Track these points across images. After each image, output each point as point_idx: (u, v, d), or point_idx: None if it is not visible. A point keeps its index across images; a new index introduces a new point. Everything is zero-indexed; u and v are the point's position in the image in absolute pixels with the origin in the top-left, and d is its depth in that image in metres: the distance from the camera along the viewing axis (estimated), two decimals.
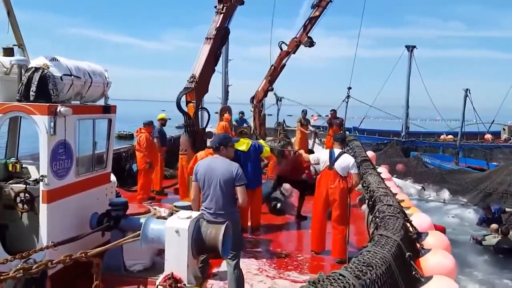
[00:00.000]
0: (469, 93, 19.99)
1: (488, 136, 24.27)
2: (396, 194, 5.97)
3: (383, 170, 9.81)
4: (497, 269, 8.86)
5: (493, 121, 24.52)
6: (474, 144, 22.70)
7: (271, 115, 16.97)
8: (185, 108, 7.31)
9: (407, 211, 5.15)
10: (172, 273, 3.01)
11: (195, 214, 3.25)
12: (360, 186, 7.77)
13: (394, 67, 24.97)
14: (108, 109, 5.16)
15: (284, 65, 12.80)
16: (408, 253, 3.17)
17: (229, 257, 4.00)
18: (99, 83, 4.92)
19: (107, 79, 5.11)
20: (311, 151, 8.97)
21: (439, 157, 21.00)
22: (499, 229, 9.96)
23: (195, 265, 3.26)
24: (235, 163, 4.26)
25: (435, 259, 3.56)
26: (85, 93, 4.72)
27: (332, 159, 5.67)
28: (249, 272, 4.95)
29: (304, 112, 15.10)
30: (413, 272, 3.17)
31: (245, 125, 14.82)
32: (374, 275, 2.56)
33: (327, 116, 14.66)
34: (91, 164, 5.02)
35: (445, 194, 15.93)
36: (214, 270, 5.02)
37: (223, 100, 15.61)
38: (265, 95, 13.51)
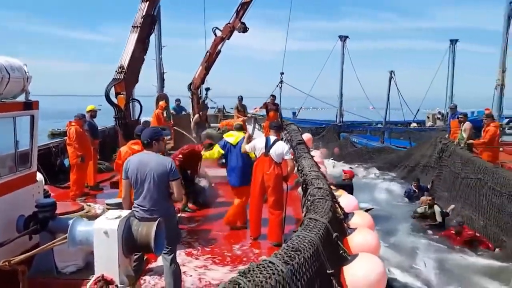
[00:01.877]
0: (394, 74, 21.24)
1: (414, 124, 26.01)
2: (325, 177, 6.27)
3: (316, 153, 10.18)
4: (422, 238, 9.58)
5: (418, 109, 26.36)
6: (400, 128, 24.18)
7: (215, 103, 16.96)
8: (115, 100, 7.08)
9: (335, 193, 5.43)
10: (103, 274, 2.97)
11: (124, 213, 3.20)
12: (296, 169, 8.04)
13: (327, 58, 25.76)
14: (29, 105, 4.84)
15: (220, 51, 12.74)
16: (335, 233, 3.37)
17: (164, 252, 4.00)
18: (18, 78, 4.59)
19: (27, 73, 4.78)
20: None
21: (366, 137, 22.23)
22: (428, 200, 10.74)
23: (127, 264, 3.22)
24: (168, 157, 4.21)
25: (360, 237, 3.82)
26: (2, 90, 4.39)
27: (268, 146, 5.80)
28: (184, 266, 4.98)
29: (240, 98, 15.13)
30: (340, 251, 3.37)
31: (183, 112, 14.65)
32: (302, 258, 2.70)
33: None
34: (13, 164, 4.71)
35: (374, 170, 16.93)
36: (151, 266, 4.99)
37: (158, 88, 15.30)
38: (202, 81, 13.39)
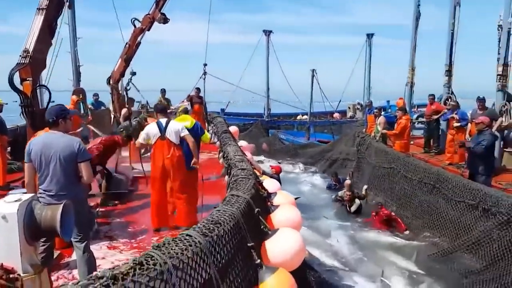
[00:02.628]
0: (316, 73, 22.16)
1: (336, 115, 27.40)
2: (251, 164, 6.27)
3: (243, 143, 10.20)
4: (341, 221, 10.07)
5: (340, 100, 27.79)
6: (323, 121, 25.39)
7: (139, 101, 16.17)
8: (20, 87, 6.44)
9: (260, 178, 5.42)
10: (2, 263, 2.65)
11: (25, 196, 2.88)
12: (222, 159, 7.94)
13: (253, 52, 26.05)
14: None
15: (140, 42, 12.26)
16: (257, 209, 3.32)
17: (76, 239, 3.68)
18: None
19: None
20: None
21: (293, 133, 22.97)
22: (351, 185, 11.23)
23: (31, 252, 2.92)
24: (76, 137, 3.88)
25: (283, 214, 3.84)
26: None
27: (162, 129, 5.63)
28: (104, 259, 4.69)
29: (162, 91, 14.67)
30: (262, 227, 3.33)
31: (102, 108, 13.87)
32: (222, 231, 2.60)
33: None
34: None
35: (300, 166, 17.51)
36: (65, 260, 4.61)
37: (75, 83, 14.33)
38: (122, 75, 12.74)
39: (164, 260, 2.05)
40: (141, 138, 5.78)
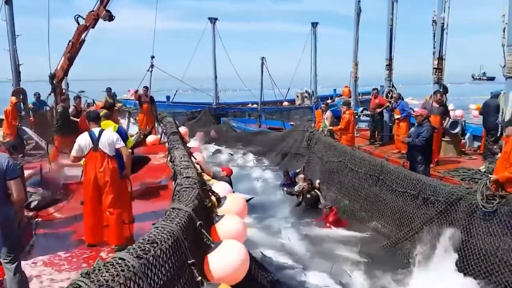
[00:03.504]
0: (265, 61, 22.34)
1: (285, 103, 27.90)
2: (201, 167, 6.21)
3: (194, 143, 10.08)
4: (299, 217, 10.22)
5: (289, 89, 28.28)
6: (273, 107, 25.80)
7: (83, 91, 15.42)
8: None
9: (209, 182, 5.38)
10: None
11: None
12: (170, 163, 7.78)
13: (199, 39, 25.77)
14: None
15: (84, 40, 11.72)
16: (199, 222, 3.27)
17: (6, 260, 3.46)
18: None
19: None
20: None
21: (245, 121, 23.03)
22: (305, 178, 11.39)
23: None
24: (4, 153, 3.63)
25: (227, 224, 3.81)
26: None
27: (94, 140, 5.27)
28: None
29: (108, 90, 14.11)
30: (204, 239, 3.29)
31: (45, 108, 13.16)
32: (159, 250, 2.53)
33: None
34: None
35: (250, 157, 17.58)
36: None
37: (14, 81, 13.47)
38: (66, 73, 12.12)
39: None
40: (73, 151, 5.37)
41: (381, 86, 13.41)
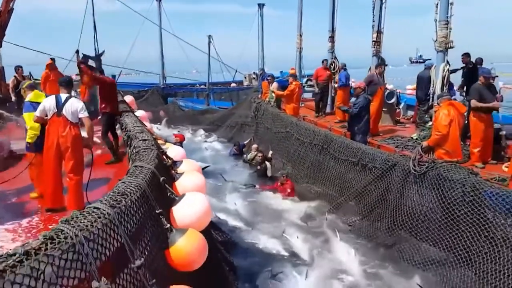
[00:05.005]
0: (212, 39, 22.11)
1: (233, 84, 27.86)
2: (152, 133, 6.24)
3: (141, 113, 9.94)
4: (250, 185, 10.54)
5: (236, 70, 28.22)
6: (222, 88, 25.72)
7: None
8: None
9: (163, 146, 5.47)
10: None
11: None
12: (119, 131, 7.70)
13: (143, 20, 24.80)
14: None
15: (13, 9, 11.08)
16: (162, 177, 3.42)
17: None
18: None
19: None
20: None
21: (193, 101, 22.88)
22: (258, 148, 11.69)
23: None
24: None
25: (187, 180, 3.99)
26: None
27: (59, 105, 5.28)
28: None
29: (17, 69, 13.02)
30: (168, 194, 3.45)
31: None
32: (129, 201, 2.67)
33: None
34: None
35: (201, 132, 17.65)
36: None
37: None
38: None
39: (75, 233, 2.08)
40: (37, 111, 5.31)
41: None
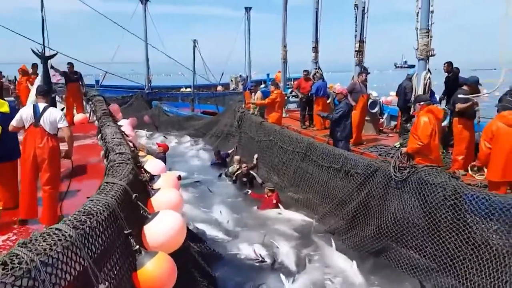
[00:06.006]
0: (197, 43, 22.07)
1: (219, 87, 27.81)
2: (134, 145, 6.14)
3: (125, 122, 9.82)
4: (234, 194, 10.47)
5: (223, 73, 28.22)
6: (207, 93, 25.66)
7: None
8: None
9: (143, 159, 5.36)
10: None
11: None
12: (100, 141, 7.56)
13: (129, 21, 24.63)
14: None
15: None
16: (135, 194, 3.32)
17: None
18: None
19: None
20: None
21: (178, 105, 22.70)
22: (241, 160, 11.59)
23: None
24: None
25: (163, 197, 3.88)
26: None
27: (37, 115, 5.14)
28: None
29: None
30: (141, 211, 3.35)
31: None
32: (95, 222, 2.57)
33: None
34: None
35: (187, 139, 17.52)
36: None
37: None
38: None
39: (31, 258, 1.98)
40: (14, 121, 5.16)
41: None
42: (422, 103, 6.82)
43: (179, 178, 11.19)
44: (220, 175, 11.86)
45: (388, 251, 6.35)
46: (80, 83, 12.95)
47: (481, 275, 4.73)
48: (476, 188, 5.41)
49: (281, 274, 5.97)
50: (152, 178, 4.57)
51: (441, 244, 5.41)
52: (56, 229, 2.33)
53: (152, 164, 5.16)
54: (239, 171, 10.96)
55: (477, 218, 5.05)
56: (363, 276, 6.06)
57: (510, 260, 4.44)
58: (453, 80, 10.08)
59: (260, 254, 6.71)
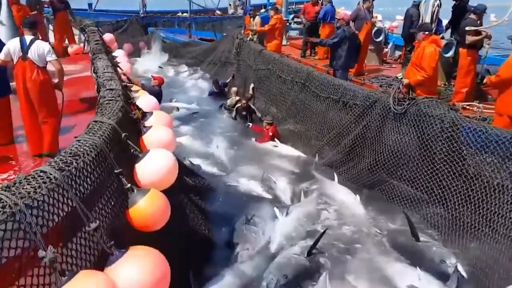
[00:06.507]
0: None
1: (217, 12, 26.53)
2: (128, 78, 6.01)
3: (120, 53, 9.51)
4: (232, 127, 10.41)
5: None
6: (204, 17, 24.62)
7: None
8: None
9: (136, 94, 5.25)
10: None
11: None
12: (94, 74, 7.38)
13: None
14: None
15: None
16: (124, 133, 3.27)
17: None
18: None
19: None
20: None
21: (174, 31, 21.88)
22: (238, 92, 11.40)
23: None
24: None
25: (155, 135, 3.83)
26: None
27: (24, 48, 5.01)
28: None
29: None
30: (132, 150, 3.33)
31: None
32: (82, 163, 2.55)
33: None
34: None
35: (183, 68, 17.15)
36: None
37: None
38: None
39: (15, 202, 1.99)
40: (2, 54, 5.08)
41: None
42: (426, 32, 6.51)
43: (177, 109, 11.16)
44: (221, 106, 11.74)
45: (383, 184, 6.45)
46: (68, 11, 12.34)
47: (469, 206, 4.84)
48: (474, 121, 5.34)
49: (275, 208, 6.02)
50: (145, 115, 4.50)
51: (434, 177, 5.48)
52: (41, 171, 2.32)
53: (144, 101, 5.05)
54: (238, 104, 10.82)
55: (472, 151, 5.05)
56: (364, 207, 6.17)
57: (500, 192, 4.51)
58: (461, 8, 9.55)
59: (256, 189, 6.80)
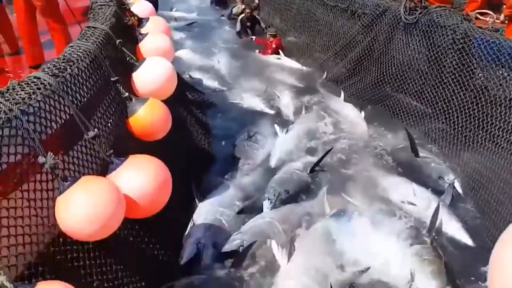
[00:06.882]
0: None
1: None
2: None
3: None
4: (234, 40, 9.96)
5: None
6: None
7: None
8: None
9: (130, 1, 4.93)
10: None
11: None
12: None
13: None
14: None
15: None
16: (118, 40, 3.12)
17: None
18: None
19: None
20: None
21: None
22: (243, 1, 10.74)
23: None
24: None
25: (151, 42, 3.67)
26: None
27: None
28: None
29: None
30: (127, 58, 3.20)
31: None
32: (76, 69, 2.46)
33: None
34: None
35: None
36: None
37: None
38: None
39: (9, 107, 1.94)
40: None
41: None
42: None
43: (175, 20, 10.65)
44: (222, 16, 11.17)
45: (387, 99, 6.31)
46: None
47: (473, 120, 4.78)
48: (487, 32, 5.05)
49: (275, 125, 5.90)
50: (140, 21, 4.28)
51: (440, 90, 5.35)
52: (35, 77, 2.24)
53: (140, 6, 4.78)
54: (243, 14, 10.23)
55: (482, 64, 4.86)
56: (367, 123, 6.09)
57: (506, 107, 4.41)
58: None
59: (258, 104, 6.67)
